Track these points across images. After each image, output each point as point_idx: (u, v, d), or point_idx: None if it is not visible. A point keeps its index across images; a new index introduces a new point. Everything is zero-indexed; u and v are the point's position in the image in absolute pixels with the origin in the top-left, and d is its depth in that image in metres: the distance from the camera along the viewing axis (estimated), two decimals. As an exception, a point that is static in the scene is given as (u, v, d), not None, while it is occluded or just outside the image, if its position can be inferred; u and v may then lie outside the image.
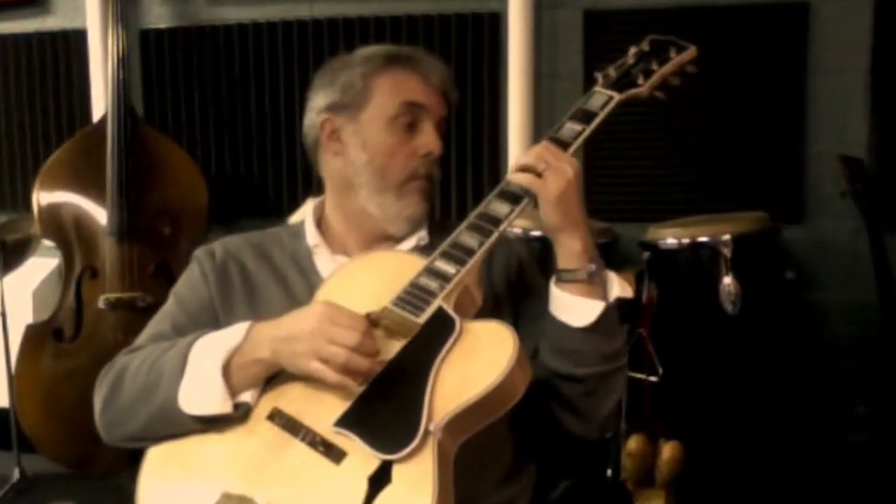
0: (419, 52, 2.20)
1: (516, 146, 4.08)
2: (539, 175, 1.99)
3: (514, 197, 2.02)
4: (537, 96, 4.14)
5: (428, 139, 2.13)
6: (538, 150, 2.03)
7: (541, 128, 4.04)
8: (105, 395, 2.03)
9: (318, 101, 2.20)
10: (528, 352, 2.00)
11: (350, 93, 2.15)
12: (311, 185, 2.20)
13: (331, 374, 1.81)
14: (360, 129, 2.15)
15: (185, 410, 1.89)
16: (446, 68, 2.21)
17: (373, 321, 1.89)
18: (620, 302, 2.08)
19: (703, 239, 3.47)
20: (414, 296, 1.92)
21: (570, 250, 2.00)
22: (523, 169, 2.02)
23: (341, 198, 2.21)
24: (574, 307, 2.00)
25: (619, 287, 2.05)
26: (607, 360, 2.04)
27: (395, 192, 2.13)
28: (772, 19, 3.96)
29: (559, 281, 2.02)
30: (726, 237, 3.41)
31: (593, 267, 1.99)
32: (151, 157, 4.18)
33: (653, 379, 3.27)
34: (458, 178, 4.23)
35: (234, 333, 1.93)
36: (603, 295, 2.01)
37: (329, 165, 2.22)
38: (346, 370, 1.81)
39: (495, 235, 1.98)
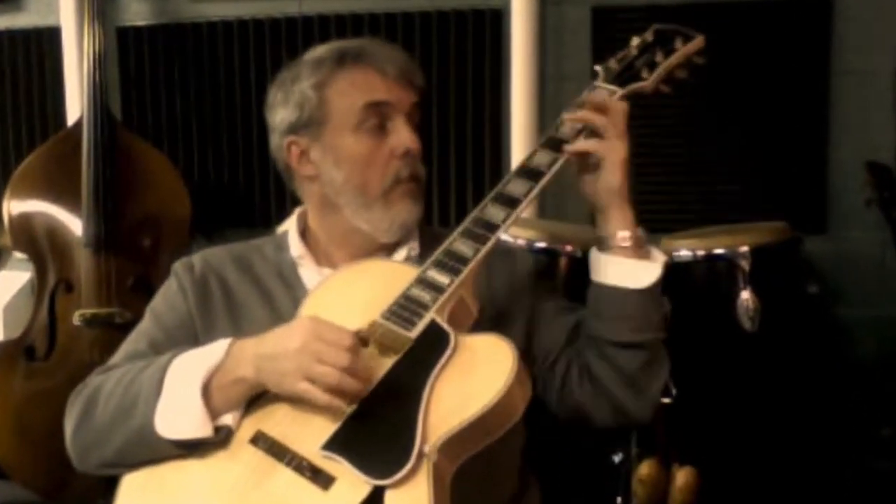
0: (368, 43, 2.19)
1: (519, 151, 4.08)
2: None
3: (511, 201, 2.03)
4: (542, 98, 4.15)
5: (402, 136, 2.14)
6: (615, 102, 2.11)
7: (545, 131, 4.02)
8: (77, 419, 2.03)
9: (276, 121, 2.21)
10: (561, 343, 2.11)
11: (307, 109, 2.15)
12: (299, 193, 2.22)
13: (320, 395, 1.81)
14: (328, 146, 2.15)
15: (162, 434, 1.89)
16: (403, 53, 2.20)
17: (362, 339, 1.89)
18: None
19: (719, 251, 3.45)
20: (405, 308, 1.93)
21: (624, 217, 2.09)
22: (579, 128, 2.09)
23: (325, 218, 2.22)
24: (631, 270, 2.07)
25: (659, 253, 2.14)
26: (660, 327, 2.11)
27: (382, 203, 2.14)
28: (792, 16, 3.96)
29: (607, 248, 2.09)
30: (744, 249, 3.39)
31: (641, 231, 2.09)
32: (130, 164, 4.17)
33: (666, 400, 3.26)
34: (457, 184, 4.25)
35: (214, 351, 1.93)
36: (651, 259, 2.11)
37: (306, 189, 2.23)
38: (335, 391, 1.81)
39: (491, 242, 1.99)
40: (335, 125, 2.14)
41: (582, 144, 2.07)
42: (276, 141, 2.23)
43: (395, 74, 2.14)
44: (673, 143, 4.08)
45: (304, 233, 2.26)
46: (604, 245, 2.10)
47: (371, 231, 2.15)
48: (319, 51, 2.20)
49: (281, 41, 4.40)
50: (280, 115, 2.20)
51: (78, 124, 4.20)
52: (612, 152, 2.04)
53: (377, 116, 2.13)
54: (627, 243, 2.07)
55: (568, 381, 2.13)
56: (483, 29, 4.23)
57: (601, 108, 2.08)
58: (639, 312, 2.07)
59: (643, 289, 2.06)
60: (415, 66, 2.20)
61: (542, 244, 3.28)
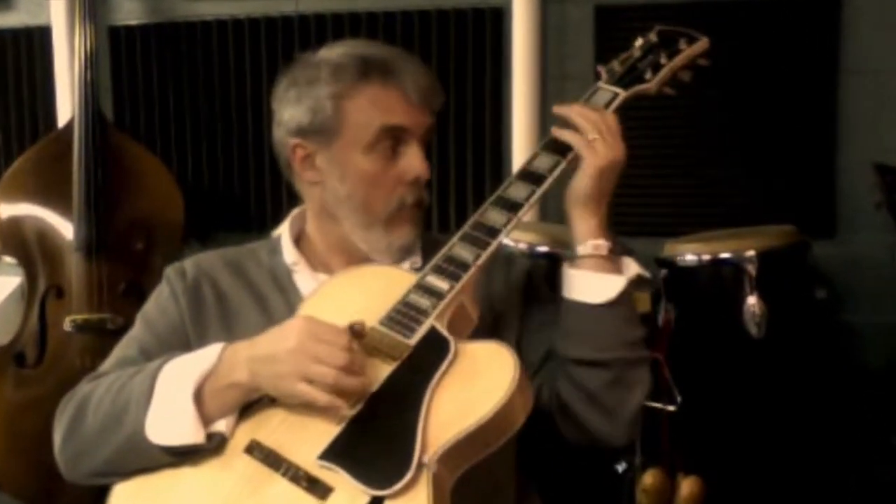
0: (395, 56, 2.15)
1: (520, 154, 4.08)
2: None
3: (512, 205, 2.03)
4: (544, 99, 4.14)
5: (414, 162, 2.11)
6: (594, 116, 2.08)
7: (547, 133, 4.03)
8: (66, 427, 2.03)
9: (284, 118, 2.17)
10: (537, 359, 2.07)
11: (320, 117, 2.12)
12: (296, 196, 2.18)
13: (320, 396, 1.81)
14: (336, 159, 2.13)
15: (153, 441, 1.89)
16: (428, 72, 2.17)
17: (357, 332, 1.88)
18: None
19: (725, 255, 3.46)
20: (404, 315, 1.93)
21: (587, 225, 2.06)
22: (580, 118, 2.07)
23: (323, 224, 2.21)
24: (592, 284, 2.04)
25: (636, 268, 2.10)
26: (631, 348, 2.07)
27: (383, 226, 2.13)
28: (800, 14, 3.96)
29: (573, 260, 2.07)
30: (751, 253, 3.40)
31: (608, 243, 2.05)
32: (122, 166, 4.17)
33: (670, 408, 3.27)
34: (457, 188, 4.25)
35: (206, 356, 1.93)
36: (619, 273, 2.07)
37: (306, 191, 2.22)
38: (335, 391, 1.81)
39: (492, 247, 1.99)
40: (347, 140, 2.11)
41: (564, 133, 2.07)
42: (280, 136, 2.20)
43: (417, 98, 2.11)
44: (677, 145, 4.08)
45: (300, 237, 2.26)
46: (571, 259, 2.08)
47: (367, 251, 2.14)
48: (341, 52, 2.16)
49: (277, 41, 4.40)
50: (289, 112, 2.16)
51: (69, 126, 4.20)
52: (592, 155, 2.03)
53: (392, 139, 2.10)
54: (589, 253, 2.05)
55: (540, 400, 2.08)
56: (483, 28, 4.23)
57: (591, 114, 2.08)
58: (601, 329, 2.04)
59: (603, 304, 2.03)
60: (438, 88, 2.18)
61: (543, 248, 3.29)
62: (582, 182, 2.04)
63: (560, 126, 2.11)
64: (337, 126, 2.11)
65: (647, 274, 2.14)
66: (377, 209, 2.12)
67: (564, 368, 2.06)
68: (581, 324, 2.05)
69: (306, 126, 2.14)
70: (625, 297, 2.05)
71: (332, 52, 2.17)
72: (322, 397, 1.81)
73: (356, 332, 1.88)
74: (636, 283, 2.11)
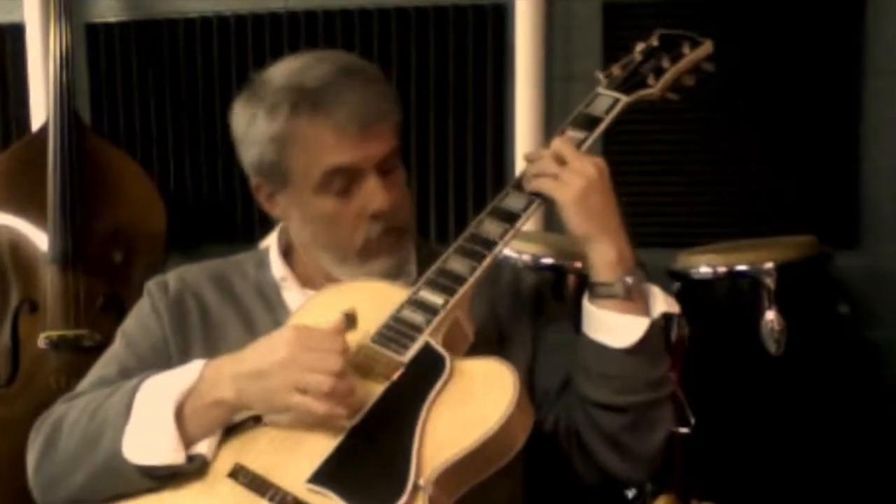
0: (330, 81, 2.07)
1: (523, 161, 4.06)
2: (555, 178, 2.03)
3: (509, 215, 2.03)
4: (548, 101, 4.15)
5: (371, 197, 2.08)
6: (553, 146, 2.07)
7: (552, 137, 4.03)
8: (39, 450, 2.04)
9: (241, 153, 2.18)
10: (553, 387, 2.08)
11: (266, 161, 2.11)
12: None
13: (319, 405, 1.82)
14: (293, 201, 2.14)
15: (130, 460, 1.90)
16: (371, 93, 2.08)
17: (350, 318, 1.90)
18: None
19: (742, 267, 3.46)
20: (396, 331, 1.94)
21: (603, 260, 2.03)
22: (537, 172, 2.06)
23: (304, 251, 2.23)
24: (613, 326, 2.02)
25: (663, 302, 2.07)
26: (653, 388, 2.05)
27: (357, 259, 2.13)
28: (821, 12, 3.97)
29: (593, 296, 2.04)
30: (769, 265, 3.40)
31: (630, 280, 2.01)
32: (100, 173, 4.18)
33: (684, 430, 3.27)
34: (456, 196, 4.26)
35: (187, 373, 1.94)
36: (645, 310, 2.04)
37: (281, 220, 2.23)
38: (332, 398, 1.82)
39: (488, 260, 2.00)
40: (297, 183, 2.11)
41: (536, 183, 2.07)
42: (243, 162, 2.21)
43: (356, 130, 2.04)
44: (691, 150, 4.09)
45: (288, 250, 2.27)
46: (590, 292, 2.06)
47: (350, 279, 2.14)
48: (276, 84, 2.11)
49: (265, 39, 4.39)
50: (242, 149, 2.17)
51: (43, 130, 4.21)
52: (559, 192, 2.02)
53: (342, 178, 2.06)
54: (609, 292, 2.02)
55: (557, 437, 2.11)
56: (484, 26, 4.23)
57: (558, 159, 2.06)
58: (622, 373, 2.02)
59: (626, 348, 2.01)
60: (386, 108, 2.10)
61: (548, 260, 3.29)
62: (568, 222, 2.03)
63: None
64: (283, 171, 2.11)
65: (675, 309, 2.10)
66: (344, 247, 2.12)
67: (582, 406, 2.06)
68: (600, 365, 2.03)
69: (258, 166, 2.15)
70: (649, 338, 2.03)
71: (274, 78, 2.13)
72: (321, 406, 1.82)
73: (350, 318, 1.90)
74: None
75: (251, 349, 1.92)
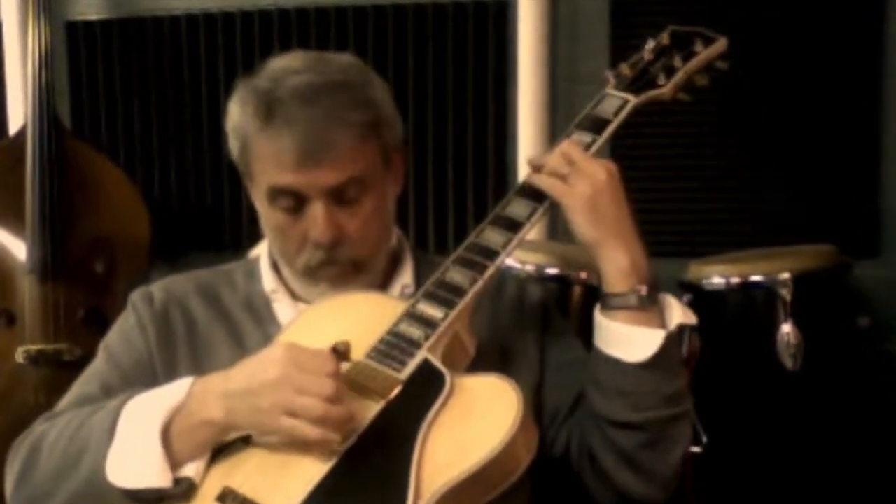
0: (296, 102, 2.04)
1: (527, 165, 4.05)
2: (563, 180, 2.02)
3: (512, 223, 2.03)
4: (553, 105, 4.15)
5: (312, 224, 2.08)
6: (562, 148, 2.07)
7: (557, 141, 4.03)
8: (18, 472, 2.04)
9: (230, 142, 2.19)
10: (564, 406, 2.08)
11: (235, 152, 2.15)
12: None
13: (310, 430, 1.82)
14: (256, 200, 2.17)
15: (114, 483, 1.90)
16: (335, 120, 2.04)
17: (340, 354, 1.89)
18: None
19: (756, 278, 3.46)
20: (393, 346, 1.94)
21: (615, 268, 2.02)
22: (547, 171, 2.06)
23: None
24: (628, 339, 2.01)
25: (679, 312, 2.07)
26: (670, 403, 2.05)
27: (307, 280, 2.16)
28: (839, 10, 3.97)
29: (606, 308, 2.03)
30: (785, 276, 3.40)
31: (643, 289, 2.01)
32: (81, 178, 4.18)
33: (695, 449, 3.27)
34: (456, 204, 4.26)
35: (174, 391, 1.94)
36: (661, 322, 2.04)
37: None
38: (324, 423, 1.82)
39: (490, 271, 2.00)
40: (254, 187, 2.15)
41: (541, 179, 2.08)
42: None
43: (294, 158, 2.03)
44: (702, 154, 4.10)
45: (277, 262, 2.27)
46: (602, 303, 2.06)
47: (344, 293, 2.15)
48: (258, 78, 2.12)
49: (254, 38, 4.39)
50: (230, 138, 2.19)
51: (21, 133, 4.21)
52: (566, 197, 2.03)
53: (287, 198, 2.07)
54: (623, 303, 2.01)
55: (569, 457, 2.11)
56: (485, 24, 4.23)
57: (566, 160, 2.07)
58: (638, 388, 2.01)
59: (641, 362, 2.00)
60: (343, 137, 2.04)
61: (552, 270, 3.28)
62: (577, 228, 2.03)
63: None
64: (245, 169, 2.15)
65: (692, 319, 2.08)
66: (293, 263, 2.15)
67: (596, 424, 2.06)
68: (614, 381, 2.02)
69: (236, 160, 2.18)
70: (665, 352, 2.02)
71: (264, 70, 2.14)
72: (312, 431, 1.81)
73: (339, 354, 1.89)
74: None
75: (241, 367, 1.92)
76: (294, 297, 2.22)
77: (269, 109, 2.04)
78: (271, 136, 2.04)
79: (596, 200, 2.00)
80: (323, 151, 2.02)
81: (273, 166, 2.05)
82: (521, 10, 4.15)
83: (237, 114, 2.12)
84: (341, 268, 2.12)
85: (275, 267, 2.26)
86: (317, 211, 2.06)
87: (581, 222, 2.01)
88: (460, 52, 4.24)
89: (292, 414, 1.82)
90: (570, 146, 2.08)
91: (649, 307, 2.02)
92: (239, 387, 1.88)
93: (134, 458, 1.90)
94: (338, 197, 2.06)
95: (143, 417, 1.92)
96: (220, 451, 1.93)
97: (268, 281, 2.23)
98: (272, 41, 4.34)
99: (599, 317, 2.05)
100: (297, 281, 2.18)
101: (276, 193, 2.07)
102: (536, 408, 2.09)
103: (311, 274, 2.13)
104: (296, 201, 2.06)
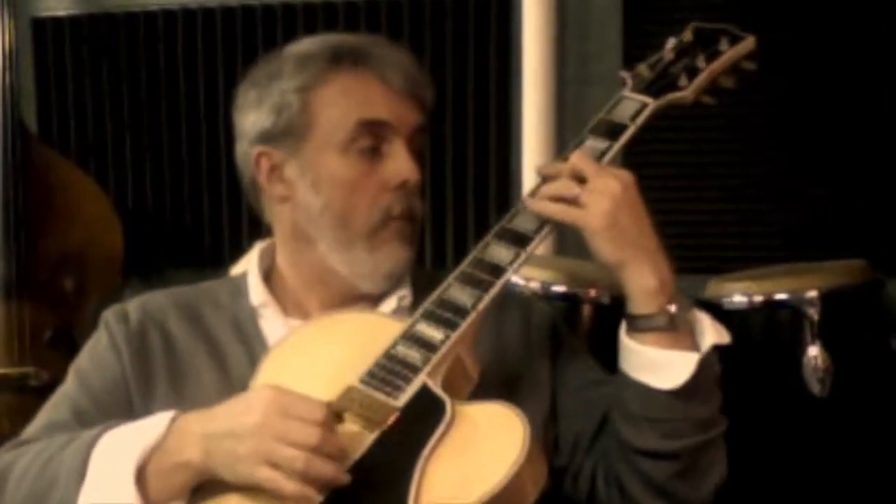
0: (370, 41, 2.19)
1: (532, 175, 4.02)
2: (575, 201, 2.01)
3: (520, 238, 2.03)
4: (560, 109, 4.15)
5: (399, 164, 2.14)
6: (570, 162, 2.06)
7: (565, 149, 4.03)
8: (-19, 505, 2.04)
9: (246, 126, 2.21)
10: (584, 435, 2.09)
11: (285, 116, 2.14)
12: (259, 224, 2.18)
13: (286, 485, 1.81)
14: (308, 164, 2.16)
15: (84, 525, 1.90)
16: (412, 60, 2.20)
17: (336, 413, 1.89)
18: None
19: (781, 296, 3.44)
20: (389, 371, 1.93)
21: (641, 289, 2.02)
22: (553, 196, 2.04)
23: (295, 252, 2.23)
24: (657, 364, 2.01)
25: (713, 331, 2.06)
26: (704, 428, 2.05)
27: (366, 244, 2.15)
28: (867, 9, 3.96)
29: (632, 330, 2.03)
30: (812, 294, 3.39)
31: (673, 308, 2.00)
32: (48, 188, 4.18)
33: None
34: (456, 215, 4.27)
35: (151, 427, 1.93)
36: (692, 344, 2.03)
37: (275, 212, 2.23)
38: (304, 478, 1.81)
39: (495, 289, 2.00)
40: (319, 140, 2.15)
41: (539, 206, 2.07)
42: (243, 149, 2.24)
43: (399, 86, 2.14)
44: (724, 162, 4.09)
45: (269, 274, 2.26)
46: (629, 325, 2.06)
47: (349, 276, 2.15)
48: (307, 44, 2.20)
49: (236, 35, 4.40)
50: (251, 118, 2.20)
51: (-17, 139, 4.21)
52: (581, 221, 2.01)
53: (372, 137, 2.12)
54: (651, 324, 2.01)
55: (596, 488, 2.11)
56: (487, 21, 4.24)
57: (576, 177, 2.06)
58: (670, 416, 2.01)
59: (674, 389, 1.99)
60: (426, 80, 2.20)
61: (560, 288, 3.27)
62: (597, 251, 2.02)
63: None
64: (306, 124, 2.15)
65: (726, 339, 2.07)
66: (358, 222, 2.15)
67: (623, 453, 2.06)
68: (644, 409, 2.02)
69: (270, 129, 2.18)
70: (700, 376, 2.00)
71: (299, 45, 2.21)
72: (288, 486, 1.80)
73: (335, 413, 1.89)
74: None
75: (225, 406, 1.91)
76: (285, 312, 2.21)
77: (354, 55, 2.16)
78: (367, 72, 2.14)
79: (615, 218, 2.00)
80: (415, 87, 2.19)
81: (360, 101, 2.13)
82: (525, 5, 4.14)
83: (290, 74, 2.16)
84: (410, 225, 2.18)
85: (265, 280, 2.25)
86: (401, 150, 2.13)
87: (602, 246, 2.00)
88: (460, 52, 4.25)
89: (272, 464, 1.81)
90: (579, 159, 2.06)
91: (680, 328, 2.02)
92: (219, 428, 1.87)
93: (106, 500, 1.90)
94: (411, 142, 2.15)
95: (117, 455, 1.92)
96: (199, 489, 1.92)
97: (256, 294, 2.23)
98: (256, 39, 4.34)
99: (626, 340, 2.04)
100: (351, 254, 2.17)
101: (360, 131, 2.12)
102: (551, 438, 2.08)
103: (383, 231, 2.15)
104: (376, 141, 2.13)
